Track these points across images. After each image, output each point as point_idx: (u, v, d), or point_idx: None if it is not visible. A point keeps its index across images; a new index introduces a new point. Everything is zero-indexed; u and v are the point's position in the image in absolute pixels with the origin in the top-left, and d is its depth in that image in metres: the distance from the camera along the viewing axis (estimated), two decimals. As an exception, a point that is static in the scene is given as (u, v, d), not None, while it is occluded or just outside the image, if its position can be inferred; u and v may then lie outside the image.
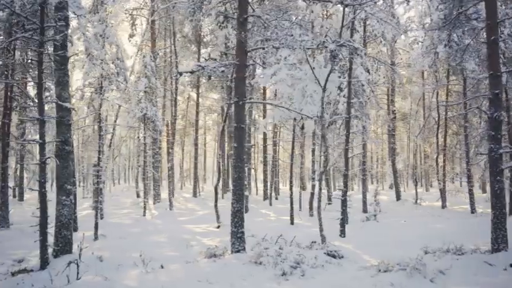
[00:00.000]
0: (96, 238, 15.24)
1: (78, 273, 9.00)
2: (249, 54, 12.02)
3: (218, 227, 16.96)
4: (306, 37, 9.69)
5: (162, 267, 11.10)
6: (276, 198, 31.21)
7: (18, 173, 31.84)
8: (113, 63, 16.05)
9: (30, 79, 19.62)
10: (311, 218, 20.63)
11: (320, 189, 14.06)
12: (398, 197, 30.89)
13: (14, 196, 35.05)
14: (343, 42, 9.96)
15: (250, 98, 19.14)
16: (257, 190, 39.82)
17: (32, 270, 10.61)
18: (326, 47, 10.15)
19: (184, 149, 46.46)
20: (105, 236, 15.64)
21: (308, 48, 9.82)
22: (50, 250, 11.24)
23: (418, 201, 28.38)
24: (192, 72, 11.69)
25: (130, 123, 21.42)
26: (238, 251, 11.65)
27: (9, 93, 17.04)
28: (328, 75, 12.53)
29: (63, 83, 11.43)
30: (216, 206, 17.20)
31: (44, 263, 10.72)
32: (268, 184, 28.28)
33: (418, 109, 41.30)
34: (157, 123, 21.61)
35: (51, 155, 11.09)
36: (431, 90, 27.56)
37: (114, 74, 15.61)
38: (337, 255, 12.14)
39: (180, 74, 11.83)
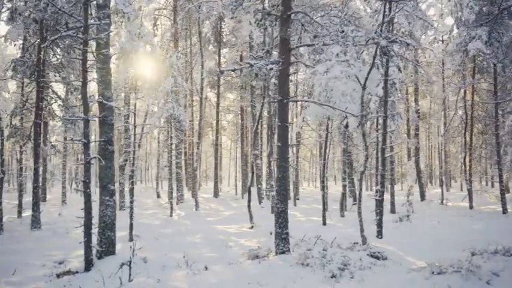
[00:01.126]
0: (131, 239, 15.10)
1: (130, 275, 8.83)
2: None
3: (251, 227, 16.75)
4: (358, 33, 9.45)
5: (206, 268, 10.92)
6: (297, 199, 30.96)
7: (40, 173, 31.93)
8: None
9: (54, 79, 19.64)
10: (342, 219, 20.40)
11: (360, 189, 13.78)
12: (422, 197, 30.52)
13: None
14: (394, 38, 9.70)
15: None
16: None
17: (77, 272, 10.48)
18: (377, 43, 9.88)
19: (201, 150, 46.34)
20: (139, 236, 15.49)
21: (361, 45, 9.59)
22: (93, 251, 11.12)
23: (444, 201, 28.00)
24: (233, 70, 11.51)
25: (157, 124, 21.29)
26: (283, 252, 11.43)
27: (40, 94, 16.95)
28: (369, 73, 12.27)
29: (105, 82, 11.31)
30: (249, 206, 17.00)
31: (88, 265, 10.57)
32: (292, 184, 28.04)
33: (437, 108, 40.86)
34: (183, 123, 21.44)
35: (96, 154, 10.93)
36: (457, 89, 27.11)
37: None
38: (381, 256, 11.91)
39: (222, 72, 11.76)
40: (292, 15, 11.25)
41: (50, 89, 18.27)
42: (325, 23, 10.56)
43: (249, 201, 16.93)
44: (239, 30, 33.98)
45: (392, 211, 23.16)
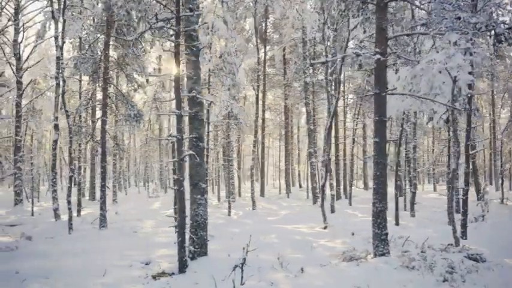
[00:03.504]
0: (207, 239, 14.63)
1: (242, 277, 8.33)
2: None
3: (325, 227, 16.12)
4: (476, 19, 8.72)
5: (302, 270, 10.37)
6: (346, 197, 30.14)
7: (89, 172, 32.06)
8: (220, 57, 15.46)
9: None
10: (413, 219, 19.58)
11: (452, 187, 12.98)
12: (479, 197, 29.28)
13: (83, 196, 35.41)
14: (515, 25, 8.92)
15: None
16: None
17: (173, 274, 10.05)
18: (492, 30, 9.13)
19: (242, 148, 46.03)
20: (214, 236, 15.03)
21: (482, 32, 8.85)
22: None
23: (504, 200, 26.79)
24: (324, 62, 10.97)
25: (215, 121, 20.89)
26: (382, 254, 10.76)
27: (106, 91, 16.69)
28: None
29: (195, 76, 10.86)
30: (322, 205, 16.39)
31: (182, 266, 10.13)
32: (348, 183, 27.26)
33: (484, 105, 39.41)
34: (241, 121, 20.97)
35: (188, 151, 10.48)
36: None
37: (222, 68, 15.05)
38: (479, 258, 11.11)
39: (312, 64, 11.06)
40: (393, 2, 10.56)
41: (113, 87, 18.02)
42: (432, 10, 9.81)
43: (322, 200, 16.32)
44: (283, 27, 33.43)
45: (457, 211, 22.14)
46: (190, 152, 10.26)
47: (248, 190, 39.54)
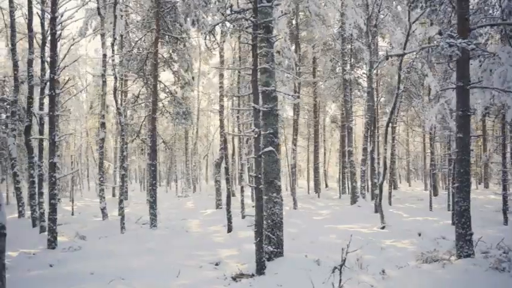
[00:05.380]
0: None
1: (340, 280, 7.89)
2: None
3: (383, 227, 15.62)
4: None
5: (383, 272, 9.95)
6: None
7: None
8: (278, 52, 15.06)
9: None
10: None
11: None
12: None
13: (114, 195, 35.31)
14: None
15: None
16: (348, 189, 38.24)
17: (252, 275, 9.66)
18: None
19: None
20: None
21: None
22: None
23: None
24: (402, 54, 10.44)
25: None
26: (467, 256, 10.25)
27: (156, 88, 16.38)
28: None
29: (269, 69, 10.46)
30: (380, 205, 15.88)
31: (261, 267, 9.73)
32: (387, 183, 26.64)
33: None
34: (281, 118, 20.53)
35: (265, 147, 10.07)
36: None
37: (281, 63, 14.61)
38: None
39: (387, 58, 10.54)
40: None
41: (160, 84, 17.74)
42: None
43: (380, 199, 15.84)
44: (313, 24, 32.90)
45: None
46: (270, 148, 9.87)
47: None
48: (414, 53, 25.42)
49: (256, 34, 9.70)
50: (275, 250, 10.29)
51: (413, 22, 14.07)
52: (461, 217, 10.52)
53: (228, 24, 12.37)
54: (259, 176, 9.77)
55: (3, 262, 4.87)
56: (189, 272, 10.18)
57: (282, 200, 10.60)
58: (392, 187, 30.99)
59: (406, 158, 35.86)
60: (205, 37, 12.53)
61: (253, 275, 9.66)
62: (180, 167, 51.42)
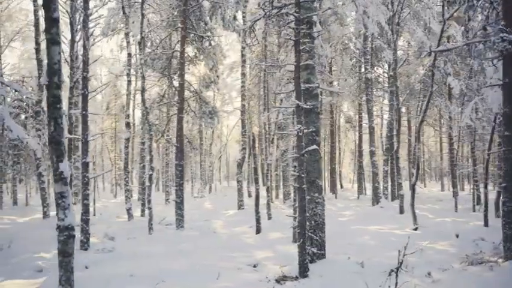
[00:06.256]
0: (294, 241, 13.97)
1: (396, 284, 7.58)
2: None
3: (416, 229, 15.28)
4: None
5: (429, 274, 9.64)
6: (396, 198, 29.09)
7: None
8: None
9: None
10: (499, 220, 18.53)
11: None
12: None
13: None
14: None
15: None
16: (365, 190, 37.91)
17: (297, 277, 9.38)
18: None
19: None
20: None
21: None
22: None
23: None
24: (448, 50, 10.09)
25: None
26: (517, 258, 9.92)
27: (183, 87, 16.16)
28: None
29: (311, 66, 10.21)
30: (413, 205, 15.52)
31: (304, 270, 9.45)
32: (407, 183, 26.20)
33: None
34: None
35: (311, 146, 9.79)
36: None
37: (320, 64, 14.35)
38: None
39: (430, 53, 10.22)
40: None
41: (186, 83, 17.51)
42: None
43: (413, 200, 15.45)
44: (330, 24, 32.58)
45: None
46: (315, 146, 9.59)
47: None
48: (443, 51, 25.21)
49: (299, 29, 9.44)
50: (318, 252, 10.02)
51: (448, 18, 13.73)
52: (509, 218, 10.19)
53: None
54: (302, 175, 9.51)
55: (72, 265, 4.63)
56: (228, 274, 9.93)
57: (323, 200, 10.31)
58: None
59: (422, 158, 35.39)
60: (245, 33, 12.27)
61: (297, 277, 9.38)
62: (193, 168, 51.23)
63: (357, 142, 33.28)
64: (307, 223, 9.89)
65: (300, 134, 9.33)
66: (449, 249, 12.42)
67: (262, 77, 19.31)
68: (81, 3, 12.96)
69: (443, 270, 10.17)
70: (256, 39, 15.60)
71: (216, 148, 44.75)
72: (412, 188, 15.27)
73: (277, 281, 9.34)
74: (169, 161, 29.01)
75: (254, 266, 10.92)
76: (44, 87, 4.80)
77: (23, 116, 24.31)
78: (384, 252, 11.89)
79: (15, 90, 7.65)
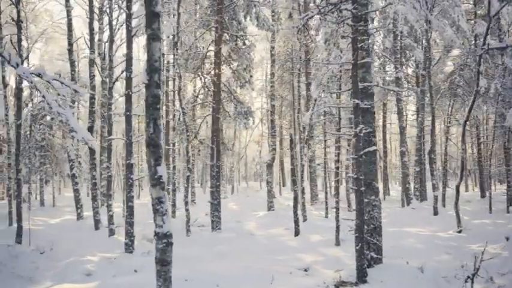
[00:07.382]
0: (337, 243, 13.67)
1: (471, 291, 7.25)
2: None
3: (460, 231, 14.85)
4: None
5: (491, 279, 9.27)
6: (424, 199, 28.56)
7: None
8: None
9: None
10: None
11: None
12: None
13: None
14: None
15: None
16: (389, 190, 37.32)
17: (356, 283, 9.08)
18: None
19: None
20: (344, 240, 14.03)
21: None
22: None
23: None
24: (506, 47, 9.66)
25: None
26: None
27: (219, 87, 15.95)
28: None
29: (367, 64, 9.90)
30: (456, 206, 15.09)
31: (362, 275, 9.14)
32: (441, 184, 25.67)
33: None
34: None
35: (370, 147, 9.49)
36: None
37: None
38: None
39: (488, 50, 9.84)
40: None
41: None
42: None
43: (457, 199, 14.99)
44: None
45: None
46: (374, 147, 9.28)
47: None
48: (466, 50, 24.69)
49: (356, 26, 9.15)
50: (376, 256, 9.69)
51: (494, 16, 13.28)
52: None
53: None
54: (360, 177, 9.22)
55: (170, 275, 4.38)
56: (281, 279, 9.66)
57: (380, 203, 9.99)
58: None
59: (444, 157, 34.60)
60: (298, 31, 12.00)
61: (356, 283, 9.08)
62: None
63: (382, 142, 32.78)
64: (365, 227, 9.59)
65: (360, 134, 9.05)
66: (502, 252, 11.99)
67: (293, 77, 18.96)
68: (123, 3, 12.81)
69: (501, 274, 9.81)
70: (310, 38, 15.29)
71: (236, 148, 44.51)
72: (456, 189, 14.85)
73: (336, 286, 9.06)
74: (194, 162, 28.81)
75: (305, 270, 10.65)
76: (143, 86, 4.54)
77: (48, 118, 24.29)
78: (433, 256, 11.53)
79: (75, 91, 7.40)
